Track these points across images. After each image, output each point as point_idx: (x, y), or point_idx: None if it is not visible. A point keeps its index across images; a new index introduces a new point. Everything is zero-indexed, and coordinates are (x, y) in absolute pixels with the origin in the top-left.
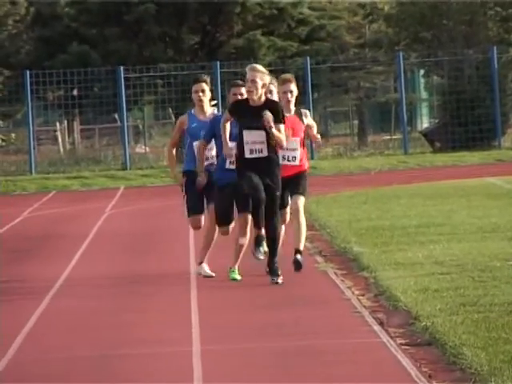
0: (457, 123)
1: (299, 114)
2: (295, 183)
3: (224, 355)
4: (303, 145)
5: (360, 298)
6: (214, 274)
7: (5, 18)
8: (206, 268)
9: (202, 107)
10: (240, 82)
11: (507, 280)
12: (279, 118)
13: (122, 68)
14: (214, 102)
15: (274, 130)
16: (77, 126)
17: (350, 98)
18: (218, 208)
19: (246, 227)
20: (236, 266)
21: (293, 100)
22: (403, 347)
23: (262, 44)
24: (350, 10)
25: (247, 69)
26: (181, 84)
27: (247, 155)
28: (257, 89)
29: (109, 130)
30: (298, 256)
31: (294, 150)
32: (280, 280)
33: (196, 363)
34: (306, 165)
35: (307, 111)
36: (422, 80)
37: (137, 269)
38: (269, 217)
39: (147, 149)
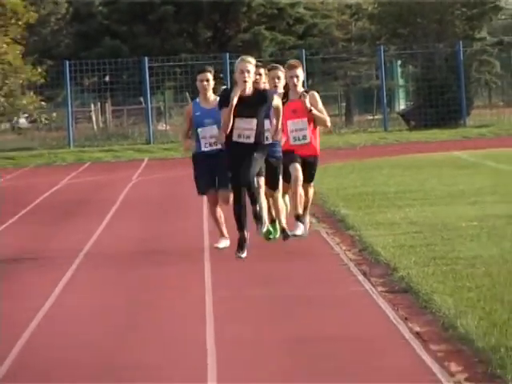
0: (429, 105)
1: (301, 96)
2: (308, 168)
3: (231, 299)
4: (314, 125)
5: (347, 252)
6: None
7: (48, 16)
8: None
9: (205, 95)
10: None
11: (471, 238)
12: (269, 104)
13: (146, 59)
14: (224, 87)
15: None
16: (108, 107)
17: (339, 84)
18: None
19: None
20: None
21: (299, 84)
22: (383, 294)
23: (265, 37)
24: (338, 9)
25: (239, 60)
26: (196, 72)
27: (235, 138)
28: (250, 78)
29: (135, 111)
30: (287, 229)
31: (301, 129)
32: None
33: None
34: (318, 149)
35: (315, 92)
36: (400, 69)
37: (156, 227)
38: (248, 188)
39: (168, 127)
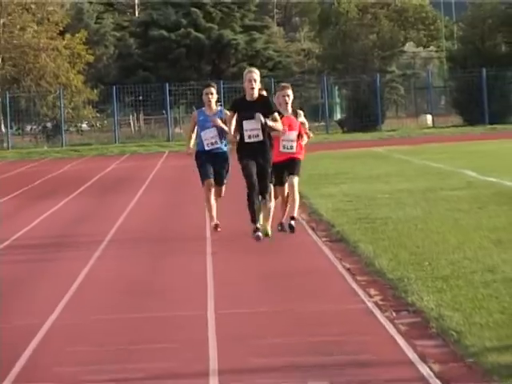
0: (356, 116)
1: (295, 114)
2: (292, 166)
3: (228, 259)
4: (299, 140)
5: (301, 214)
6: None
7: (101, 55)
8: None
9: (210, 105)
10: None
11: (384, 205)
12: (271, 109)
13: (167, 84)
14: (219, 104)
15: (269, 123)
16: (141, 117)
17: (296, 102)
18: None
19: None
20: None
21: (289, 102)
22: (325, 242)
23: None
24: (296, 52)
25: (246, 72)
26: (200, 94)
27: (246, 140)
28: (256, 86)
29: (160, 119)
30: (293, 221)
31: (291, 141)
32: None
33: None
34: (302, 155)
35: (301, 111)
36: (337, 92)
37: (173, 197)
38: (261, 181)
39: (181, 130)
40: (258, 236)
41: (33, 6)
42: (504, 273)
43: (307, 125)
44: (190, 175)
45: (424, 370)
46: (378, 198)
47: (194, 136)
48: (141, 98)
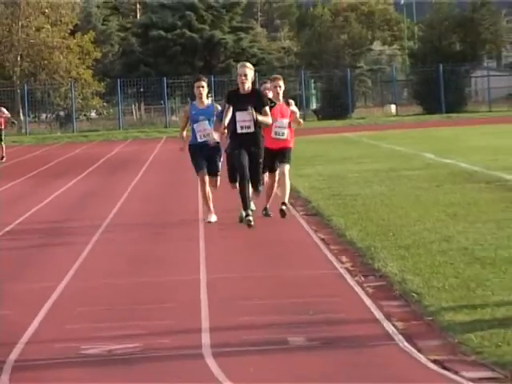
0: (329, 106)
1: (286, 103)
2: (283, 154)
3: (219, 231)
4: (290, 126)
5: (279, 194)
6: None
7: (107, 52)
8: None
9: (201, 98)
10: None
11: (354, 183)
12: (264, 102)
13: (165, 78)
14: (210, 96)
15: (259, 118)
16: (142, 106)
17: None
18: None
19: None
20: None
21: (281, 92)
22: (303, 216)
23: (232, 66)
24: (277, 50)
25: (239, 65)
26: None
27: (238, 130)
28: (247, 80)
29: (158, 109)
30: (284, 207)
31: (283, 127)
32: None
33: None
34: (292, 142)
35: (292, 101)
36: (313, 84)
37: (169, 176)
38: (253, 173)
39: (177, 118)
40: (249, 222)
41: (47, 10)
42: (458, 242)
43: (298, 113)
44: (184, 157)
45: (389, 327)
46: (349, 178)
47: (184, 132)
48: (142, 89)
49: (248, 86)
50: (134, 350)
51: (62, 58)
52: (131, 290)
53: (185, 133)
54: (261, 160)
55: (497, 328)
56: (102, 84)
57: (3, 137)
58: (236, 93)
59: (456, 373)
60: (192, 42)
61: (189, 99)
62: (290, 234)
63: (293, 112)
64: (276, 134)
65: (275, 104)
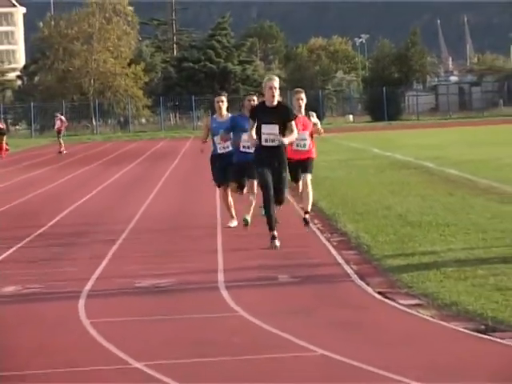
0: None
1: (308, 115)
2: (305, 165)
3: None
4: (312, 137)
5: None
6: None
7: (153, 78)
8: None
9: (220, 112)
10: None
11: (324, 168)
12: (291, 116)
13: (193, 96)
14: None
15: (285, 142)
16: (177, 115)
17: None
18: (233, 175)
19: (253, 189)
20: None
21: (303, 105)
22: (288, 192)
23: (240, 88)
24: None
25: (266, 79)
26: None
27: (263, 143)
28: (276, 93)
29: (188, 117)
30: (307, 215)
31: (304, 139)
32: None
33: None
34: (314, 153)
35: (314, 113)
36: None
37: (195, 165)
38: (277, 188)
39: (201, 123)
40: (275, 244)
41: (111, 48)
42: (395, 210)
43: (319, 124)
44: (208, 151)
45: (348, 269)
46: (321, 165)
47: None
48: (177, 103)
49: (276, 98)
50: (170, 283)
51: (121, 81)
52: (164, 241)
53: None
54: (284, 175)
55: (422, 270)
56: (149, 100)
57: (62, 137)
58: (262, 106)
59: (394, 300)
60: (211, 70)
61: (209, 112)
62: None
63: (315, 124)
64: (298, 145)
65: (296, 116)
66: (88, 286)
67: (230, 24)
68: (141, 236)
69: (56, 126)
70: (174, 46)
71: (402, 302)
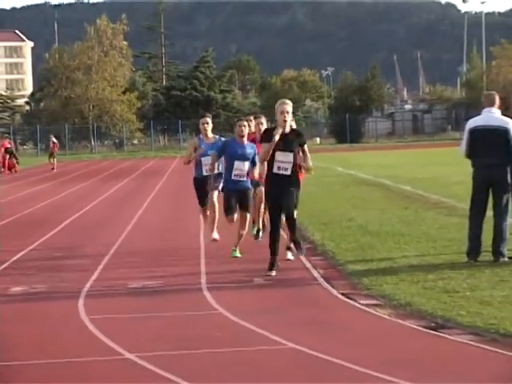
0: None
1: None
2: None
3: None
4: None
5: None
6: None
7: (145, 104)
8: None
9: (206, 134)
10: (242, 118)
11: None
12: (304, 142)
13: (179, 121)
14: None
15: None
16: (166, 137)
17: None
18: (226, 204)
19: (244, 225)
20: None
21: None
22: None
23: (220, 113)
24: (248, 104)
25: (279, 103)
26: (197, 125)
27: (274, 170)
28: (289, 118)
29: (175, 139)
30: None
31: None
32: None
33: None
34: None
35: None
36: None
37: (181, 180)
38: (290, 218)
39: (185, 143)
40: (270, 275)
41: (108, 78)
42: (357, 221)
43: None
44: (192, 168)
45: (315, 272)
46: None
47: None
48: (165, 127)
49: (289, 123)
50: (159, 285)
51: (117, 107)
52: (156, 248)
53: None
54: (295, 205)
55: (380, 274)
56: (141, 123)
57: (55, 156)
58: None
59: (355, 301)
60: (196, 98)
61: (194, 134)
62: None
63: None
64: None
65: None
66: (86, 288)
67: (213, 57)
68: (133, 244)
69: (51, 146)
70: (164, 76)
71: (362, 302)
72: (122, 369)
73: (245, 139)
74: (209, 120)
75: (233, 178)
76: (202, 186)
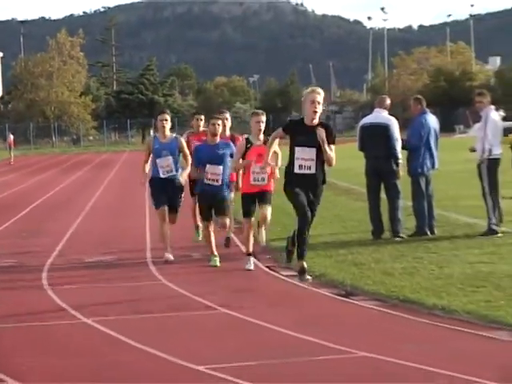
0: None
1: (265, 143)
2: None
3: None
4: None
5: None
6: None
7: (98, 106)
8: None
9: (164, 132)
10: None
11: None
12: (333, 139)
13: (128, 120)
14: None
15: (326, 146)
16: (117, 134)
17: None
18: (201, 206)
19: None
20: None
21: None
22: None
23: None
24: (187, 106)
25: (309, 91)
26: (142, 124)
27: (296, 170)
28: (319, 109)
29: (125, 135)
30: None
31: (263, 172)
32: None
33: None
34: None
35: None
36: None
37: (133, 169)
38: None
39: (133, 139)
40: (306, 278)
41: (67, 83)
42: (278, 205)
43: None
44: (139, 161)
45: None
46: None
47: (147, 167)
48: (116, 125)
49: (318, 115)
50: (111, 259)
51: (75, 108)
52: (106, 231)
53: (147, 167)
54: (317, 207)
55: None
56: (96, 122)
57: (12, 151)
58: (300, 123)
59: (278, 272)
60: (142, 101)
61: (140, 131)
62: None
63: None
64: (255, 180)
65: (251, 145)
66: (49, 262)
67: (156, 66)
68: (89, 225)
69: (8, 142)
70: (114, 82)
71: (283, 273)
72: (80, 331)
73: (217, 138)
74: (168, 117)
75: (205, 182)
76: (159, 188)
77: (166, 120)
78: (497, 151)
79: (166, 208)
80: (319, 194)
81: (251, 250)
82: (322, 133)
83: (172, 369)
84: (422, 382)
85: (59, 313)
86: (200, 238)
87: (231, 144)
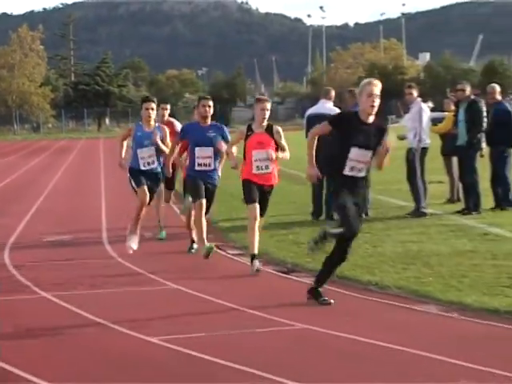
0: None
1: (270, 130)
2: (264, 200)
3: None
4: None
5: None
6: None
7: (57, 96)
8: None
9: (148, 121)
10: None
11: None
12: (385, 139)
13: (85, 109)
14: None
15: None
16: (74, 122)
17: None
18: (192, 189)
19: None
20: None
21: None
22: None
23: (117, 103)
24: (140, 96)
25: (366, 82)
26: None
27: (346, 172)
28: (377, 103)
29: (81, 123)
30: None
31: (265, 159)
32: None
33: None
34: (276, 179)
35: (280, 129)
36: None
37: (90, 154)
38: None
39: (89, 127)
40: (326, 302)
41: (28, 75)
42: (226, 190)
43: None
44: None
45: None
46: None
47: (125, 144)
48: (74, 114)
49: (375, 111)
50: (69, 238)
51: (35, 98)
52: (66, 209)
53: (124, 149)
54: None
55: (243, 230)
56: (54, 111)
57: None
58: (355, 119)
59: (225, 251)
60: (98, 91)
61: (96, 120)
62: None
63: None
64: (259, 168)
65: (252, 132)
66: (11, 241)
67: (111, 59)
68: (49, 205)
69: None
70: (72, 73)
71: (230, 252)
72: (42, 306)
73: (208, 120)
74: (154, 105)
75: (196, 168)
76: (139, 174)
77: (153, 109)
78: (427, 140)
79: (146, 188)
80: (365, 198)
81: (256, 251)
82: (386, 144)
83: (127, 340)
84: (359, 351)
85: (21, 289)
86: (193, 252)
87: (224, 127)
